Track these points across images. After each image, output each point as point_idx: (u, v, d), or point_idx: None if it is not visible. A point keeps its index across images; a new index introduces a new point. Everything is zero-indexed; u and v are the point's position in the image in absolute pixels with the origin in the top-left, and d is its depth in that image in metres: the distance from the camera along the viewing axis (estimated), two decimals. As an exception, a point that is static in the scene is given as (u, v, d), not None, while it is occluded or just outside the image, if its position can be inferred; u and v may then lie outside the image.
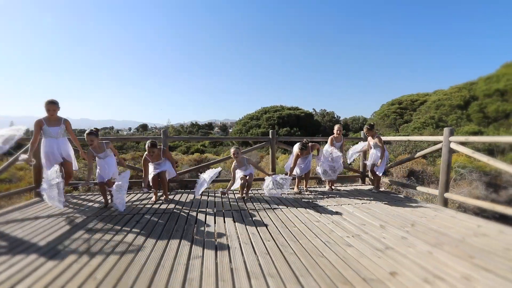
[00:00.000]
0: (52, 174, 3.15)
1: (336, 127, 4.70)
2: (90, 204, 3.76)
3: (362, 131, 5.57)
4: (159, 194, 4.27)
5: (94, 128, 3.62)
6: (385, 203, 3.80)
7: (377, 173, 4.44)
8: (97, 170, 3.66)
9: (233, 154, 4.09)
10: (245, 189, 4.12)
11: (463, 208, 5.23)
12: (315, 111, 32.54)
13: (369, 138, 4.59)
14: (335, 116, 32.67)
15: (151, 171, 3.93)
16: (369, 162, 4.53)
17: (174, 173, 4.10)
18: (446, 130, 3.69)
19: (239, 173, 4.16)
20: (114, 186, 3.38)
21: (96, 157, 3.62)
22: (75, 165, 3.92)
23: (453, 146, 3.61)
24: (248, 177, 4.08)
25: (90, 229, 2.75)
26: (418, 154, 4.62)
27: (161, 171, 3.93)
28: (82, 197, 4.20)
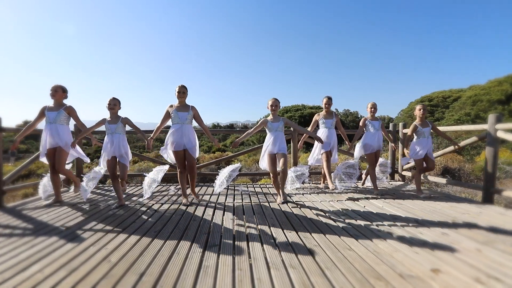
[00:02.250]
0: (98, 169, 3.42)
1: (369, 105, 3.95)
2: (114, 194, 3.82)
3: (391, 124, 5.18)
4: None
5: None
6: (418, 199, 3.46)
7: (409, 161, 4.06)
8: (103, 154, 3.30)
9: (271, 106, 3.34)
10: (280, 182, 3.29)
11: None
12: (337, 110, 31.57)
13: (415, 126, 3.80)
14: (359, 116, 31.46)
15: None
16: (423, 151, 3.64)
17: None
18: (491, 117, 3.24)
19: (269, 136, 3.37)
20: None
21: (106, 130, 3.29)
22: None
23: (501, 134, 3.16)
24: (282, 157, 3.22)
25: (111, 216, 2.76)
26: (463, 143, 3.82)
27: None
28: (106, 187, 4.31)
